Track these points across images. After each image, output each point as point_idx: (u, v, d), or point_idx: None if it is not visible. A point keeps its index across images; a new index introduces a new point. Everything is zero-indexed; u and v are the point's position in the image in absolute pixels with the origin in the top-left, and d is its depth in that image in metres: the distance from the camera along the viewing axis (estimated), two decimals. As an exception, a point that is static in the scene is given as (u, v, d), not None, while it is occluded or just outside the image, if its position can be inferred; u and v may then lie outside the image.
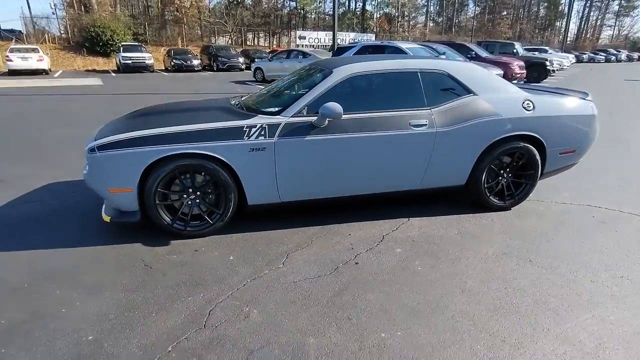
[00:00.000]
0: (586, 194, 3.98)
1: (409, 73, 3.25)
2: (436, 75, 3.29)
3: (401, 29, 39.88)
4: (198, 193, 2.96)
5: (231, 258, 2.75)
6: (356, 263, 2.70)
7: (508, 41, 18.97)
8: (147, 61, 20.70)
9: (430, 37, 41.00)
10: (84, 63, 24.08)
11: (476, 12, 51.56)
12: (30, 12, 38.64)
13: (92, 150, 2.77)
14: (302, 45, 31.91)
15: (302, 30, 35.01)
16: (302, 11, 37.54)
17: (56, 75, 18.87)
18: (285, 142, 2.92)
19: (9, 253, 2.76)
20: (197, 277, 2.51)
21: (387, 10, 41.94)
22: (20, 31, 27.49)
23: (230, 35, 33.27)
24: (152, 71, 21.24)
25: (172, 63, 21.52)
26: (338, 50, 11.47)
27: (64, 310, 2.18)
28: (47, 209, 3.51)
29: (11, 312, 2.15)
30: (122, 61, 20.40)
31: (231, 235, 3.05)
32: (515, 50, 16.32)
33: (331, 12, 45.08)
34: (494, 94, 3.34)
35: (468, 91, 3.29)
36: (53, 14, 31.26)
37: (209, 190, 2.97)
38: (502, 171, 3.48)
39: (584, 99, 3.61)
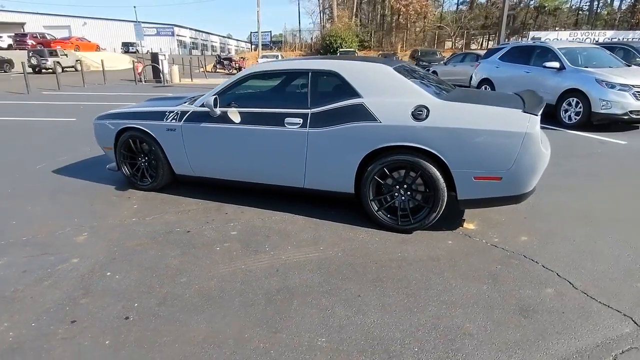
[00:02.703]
0: (547, 245, 2.88)
1: (301, 73, 3.31)
2: (328, 76, 3.21)
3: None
4: (146, 158, 4.03)
5: (135, 206, 3.71)
6: (188, 231, 3.18)
7: None
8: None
9: None
10: (314, 67, 28.94)
11: None
12: (299, 26, 48.65)
13: (94, 119, 4.25)
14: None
15: (538, 30, 30.52)
16: (545, 7, 32.60)
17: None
18: (187, 126, 3.61)
19: (58, 177, 4.57)
20: (99, 211, 3.60)
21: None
22: (281, 41, 35.36)
23: (452, 40, 32.56)
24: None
25: (376, 67, 23.29)
26: (487, 53, 10.12)
27: (29, 207, 3.68)
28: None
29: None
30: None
31: (158, 194, 3.99)
32: None
33: (586, 8, 37.05)
34: (382, 98, 2.97)
35: (354, 93, 3.06)
36: (310, 23, 38.39)
37: (151, 157, 3.99)
38: (397, 186, 3.04)
39: (523, 110, 2.67)
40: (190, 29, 53.16)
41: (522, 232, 3.11)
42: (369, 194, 3.10)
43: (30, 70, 24.26)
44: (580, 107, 6.91)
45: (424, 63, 22.57)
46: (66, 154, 5.52)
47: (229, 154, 3.50)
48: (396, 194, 3.06)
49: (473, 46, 33.95)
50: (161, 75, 18.03)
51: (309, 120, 3.15)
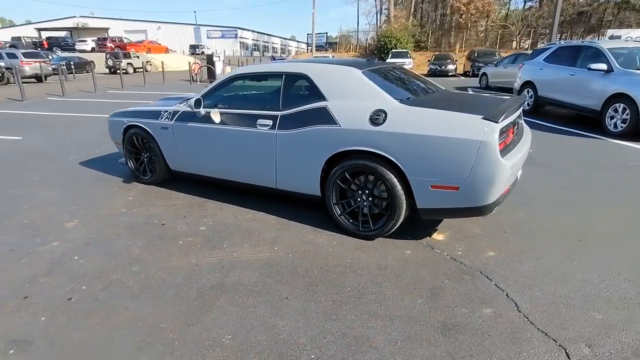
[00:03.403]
0: (513, 263, 2.67)
1: (276, 76, 3.36)
2: (299, 78, 3.24)
3: None
4: (147, 154, 4.32)
5: (130, 198, 4.00)
6: (163, 224, 3.38)
7: None
8: (404, 67, 22.64)
9: None
10: (366, 68, 28.70)
11: None
12: (357, 27, 48.52)
13: (109, 116, 4.63)
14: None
15: (619, 28, 27.61)
16: (629, 2, 29.33)
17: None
18: (177, 125, 3.83)
19: (81, 168, 5.03)
20: (98, 200, 3.92)
21: None
22: (334, 43, 35.53)
23: (517, 40, 30.56)
24: (410, 75, 23.05)
25: (428, 68, 22.62)
26: (533, 53, 9.33)
27: (44, 194, 4.12)
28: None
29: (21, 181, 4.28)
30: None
31: (156, 188, 4.26)
32: None
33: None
34: (345, 102, 2.94)
35: (320, 96, 3.06)
36: (366, 24, 37.95)
37: (151, 154, 4.27)
38: (359, 191, 2.99)
39: (483, 117, 2.49)
40: (253, 31, 55.37)
41: (493, 247, 2.90)
42: (332, 198, 3.08)
43: (107, 70, 27.01)
44: (627, 114, 6.20)
45: (480, 64, 21.48)
46: (98, 147, 6.06)
47: (212, 152, 3.65)
48: (358, 199, 3.01)
49: (541, 45, 31.57)
50: (215, 75, 19.01)
51: (278, 122, 3.19)
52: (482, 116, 2.52)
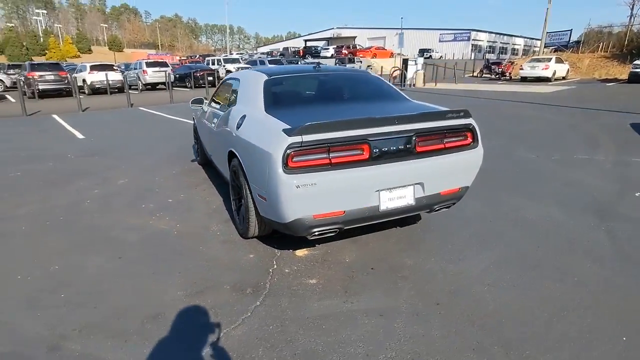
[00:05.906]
0: (305, 301, 2.34)
1: (235, 80, 3.77)
2: (238, 82, 3.57)
3: None
4: (199, 140, 5.47)
5: (173, 172, 5.23)
6: (157, 191, 4.40)
7: None
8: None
9: None
10: (610, 72, 22.58)
11: None
12: (630, 21, 37.99)
13: (193, 109, 6.03)
14: None
15: None
16: None
17: (550, 83, 19.80)
18: (199, 118, 4.79)
19: (188, 150, 6.70)
20: (154, 171, 5.32)
21: None
22: (577, 42, 29.15)
23: None
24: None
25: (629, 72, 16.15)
26: None
27: (144, 161, 5.88)
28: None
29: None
30: (632, 69, 17.90)
31: (199, 168, 5.36)
32: None
33: None
34: (241, 106, 3.17)
35: (236, 100, 3.35)
36: (627, 16, 29.09)
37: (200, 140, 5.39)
38: (243, 190, 3.16)
39: (284, 129, 2.28)
40: (490, 32, 51.60)
41: (327, 277, 2.57)
42: (231, 193, 3.35)
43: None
44: None
45: None
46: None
47: (204, 140, 4.47)
48: (242, 198, 3.18)
49: None
50: (405, 80, 19.38)
51: (221, 120, 3.66)
52: (284, 127, 2.33)
